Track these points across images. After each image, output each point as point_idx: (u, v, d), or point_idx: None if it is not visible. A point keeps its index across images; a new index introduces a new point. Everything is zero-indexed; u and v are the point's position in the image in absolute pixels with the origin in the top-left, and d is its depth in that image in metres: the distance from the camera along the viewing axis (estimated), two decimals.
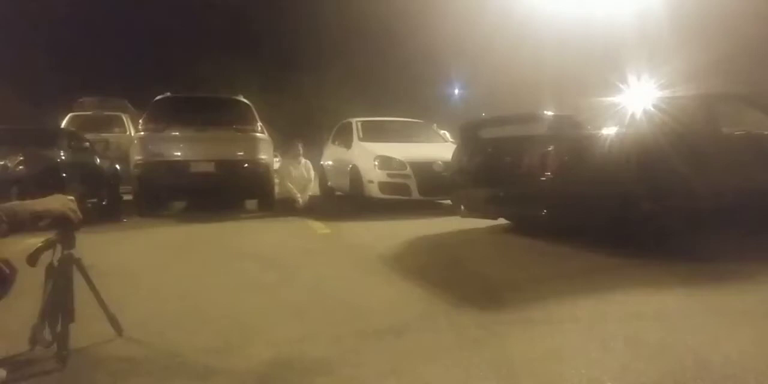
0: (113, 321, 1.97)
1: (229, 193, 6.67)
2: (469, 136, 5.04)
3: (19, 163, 5.31)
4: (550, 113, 4.53)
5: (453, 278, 3.10)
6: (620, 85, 5.99)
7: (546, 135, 4.21)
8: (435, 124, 9.57)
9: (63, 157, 6.16)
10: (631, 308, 2.37)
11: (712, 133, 3.76)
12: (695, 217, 3.45)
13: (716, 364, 1.74)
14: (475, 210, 4.86)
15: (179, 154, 6.35)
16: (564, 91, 12.16)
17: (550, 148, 3.95)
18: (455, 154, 5.09)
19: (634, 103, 4.16)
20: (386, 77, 21.93)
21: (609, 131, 4.05)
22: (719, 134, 3.82)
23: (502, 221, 5.02)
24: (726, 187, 3.48)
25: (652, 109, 3.82)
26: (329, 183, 8.59)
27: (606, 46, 12.39)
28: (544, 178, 3.95)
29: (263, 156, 6.53)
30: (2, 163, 5.17)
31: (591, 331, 2.10)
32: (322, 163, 8.87)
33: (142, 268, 3.43)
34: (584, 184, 3.72)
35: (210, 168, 6.28)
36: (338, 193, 8.30)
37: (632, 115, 3.94)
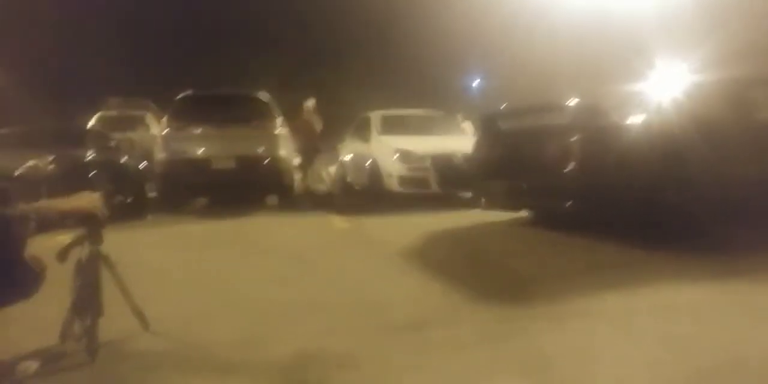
0: (140, 315, 2.01)
1: (250, 188, 6.74)
2: (489, 128, 4.96)
3: (50, 163, 5.47)
4: (573, 102, 4.42)
5: (474, 272, 3.06)
6: (646, 71, 5.79)
7: (569, 125, 4.10)
8: (460, 115, 9.45)
9: (90, 157, 6.32)
10: (661, 302, 2.30)
11: (744, 120, 3.60)
12: (726, 208, 3.32)
13: (751, 360, 1.67)
14: (496, 203, 4.79)
15: (201, 151, 6.45)
16: (587, 79, 11.85)
17: (574, 138, 3.86)
18: (475, 146, 5.02)
19: (662, 90, 4.02)
20: (405, 70, 21.78)
21: (635, 120, 3.92)
22: (752, 121, 3.66)
23: (524, 214, 4.94)
24: (758, 176, 3.34)
25: (681, 95, 3.68)
26: (348, 178, 8.60)
27: (629, 30, 11.94)
28: (568, 170, 3.86)
29: (283, 152, 6.59)
30: (33, 162, 5.33)
31: (619, 326, 2.04)
32: (340, 157, 8.88)
33: (166, 263, 3.49)
34: (610, 175, 3.63)
35: (231, 164, 6.35)
36: (357, 187, 8.30)
37: (660, 103, 3.81)
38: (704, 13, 10.76)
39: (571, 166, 3.86)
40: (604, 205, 3.74)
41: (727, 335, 1.88)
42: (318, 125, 8.63)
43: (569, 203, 3.93)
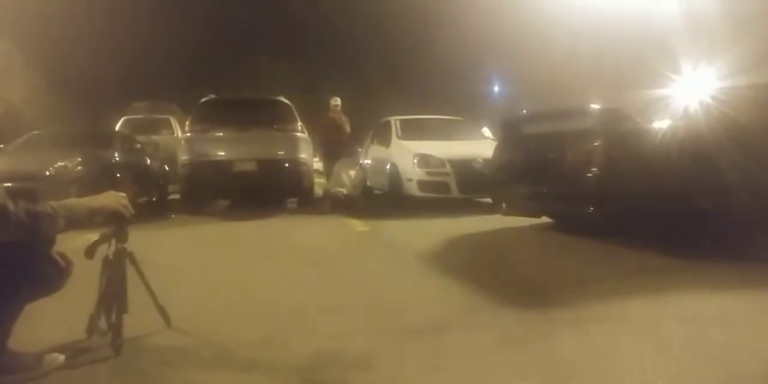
0: (162, 312, 2.04)
1: (271, 191, 6.82)
2: (510, 132, 4.93)
3: (78, 164, 5.64)
4: (596, 106, 4.36)
5: (495, 276, 3.03)
6: (672, 76, 5.67)
7: (592, 129, 4.05)
8: (482, 124, 9.39)
9: (117, 158, 6.50)
10: (688, 309, 2.23)
11: None
12: (757, 215, 3.21)
13: None
14: (516, 208, 4.74)
15: (223, 153, 6.56)
16: (609, 84, 11.66)
17: (597, 143, 3.80)
18: (496, 150, 4.99)
19: (689, 95, 3.94)
20: (425, 76, 21.85)
21: (661, 124, 3.84)
22: None
23: (545, 220, 4.87)
24: None
25: (710, 100, 3.59)
26: (368, 182, 8.63)
27: (651, 35, 11.65)
28: (590, 175, 3.80)
29: (303, 155, 6.66)
30: (63, 163, 5.51)
31: (644, 332, 1.99)
32: (360, 161, 8.92)
33: (188, 262, 3.55)
34: (634, 181, 3.55)
35: (252, 167, 6.45)
36: (377, 191, 8.31)
37: (687, 107, 3.72)
38: (730, 17, 10.48)
39: (593, 171, 3.80)
40: (628, 211, 3.66)
41: (758, 344, 1.82)
42: (346, 125, 8.65)
43: (591, 209, 3.86)
